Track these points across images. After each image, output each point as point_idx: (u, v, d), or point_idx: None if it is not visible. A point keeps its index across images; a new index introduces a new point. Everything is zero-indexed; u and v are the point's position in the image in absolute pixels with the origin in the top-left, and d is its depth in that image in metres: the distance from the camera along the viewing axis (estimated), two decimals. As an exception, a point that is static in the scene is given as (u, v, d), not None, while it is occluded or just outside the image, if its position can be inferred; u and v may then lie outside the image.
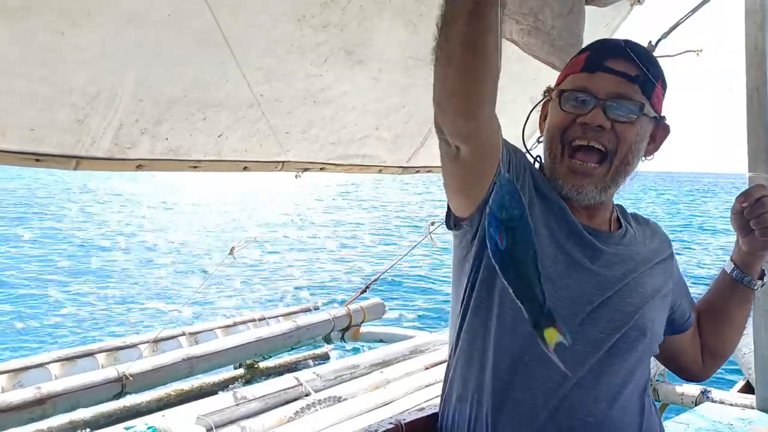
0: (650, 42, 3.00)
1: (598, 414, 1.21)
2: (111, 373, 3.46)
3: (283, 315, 5.53)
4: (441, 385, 1.42)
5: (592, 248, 1.27)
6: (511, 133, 3.22)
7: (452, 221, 1.30)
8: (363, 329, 4.96)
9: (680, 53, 3.03)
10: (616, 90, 1.23)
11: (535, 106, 1.40)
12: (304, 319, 4.87)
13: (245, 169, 2.21)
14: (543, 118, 1.39)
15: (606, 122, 1.22)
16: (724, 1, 2.76)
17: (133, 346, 4.40)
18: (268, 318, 5.40)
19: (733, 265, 1.42)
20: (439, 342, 4.12)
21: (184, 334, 4.79)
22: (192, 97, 1.84)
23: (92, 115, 1.66)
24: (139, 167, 1.90)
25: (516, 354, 1.20)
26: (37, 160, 1.65)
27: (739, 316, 1.47)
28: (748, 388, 3.36)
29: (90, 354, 4.23)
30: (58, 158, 1.70)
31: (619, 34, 3.08)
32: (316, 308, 5.82)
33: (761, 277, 1.43)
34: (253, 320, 5.41)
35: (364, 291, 4.93)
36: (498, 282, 1.21)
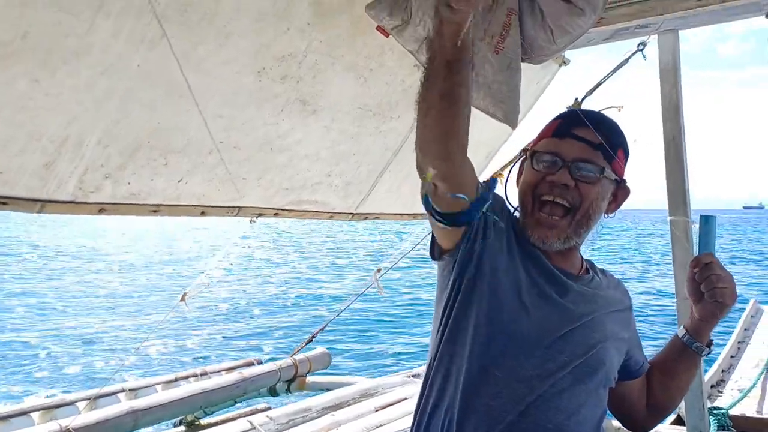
0: (576, 99, 3.26)
1: (557, 423, 1.34)
2: (53, 427, 3.35)
3: (225, 369, 5.46)
4: (393, 424, 1.52)
5: (561, 285, 1.44)
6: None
7: (436, 253, 1.46)
8: (309, 379, 4.96)
9: (604, 109, 3.30)
10: (580, 154, 1.43)
11: (515, 163, 1.59)
12: (249, 371, 4.83)
13: (203, 213, 2.28)
14: (520, 174, 1.58)
15: (570, 181, 1.42)
16: (640, 62, 3.04)
17: (71, 403, 4.26)
18: (211, 372, 5.33)
19: (684, 331, 1.57)
20: (387, 385, 4.17)
21: (123, 391, 4.67)
22: (155, 144, 1.92)
23: (60, 159, 1.72)
24: (101, 211, 1.95)
25: (489, 369, 1.34)
26: (3, 203, 1.70)
27: (685, 377, 1.62)
28: (679, 421, 3.56)
29: (24, 413, 4.07)
30: (24, 201, 1.74)
31: (548, 92, 3.34)
32: (260, 362, 5.77)
33: (709, 345, 1.57)
34: (195, 375, 5.32)
35: (309, 341, 4.96)
36: (474, 305, 1.37)
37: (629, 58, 2.99)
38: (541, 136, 1.52)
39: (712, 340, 1.57)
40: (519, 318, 1.35)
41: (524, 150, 1.53)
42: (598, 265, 1.65)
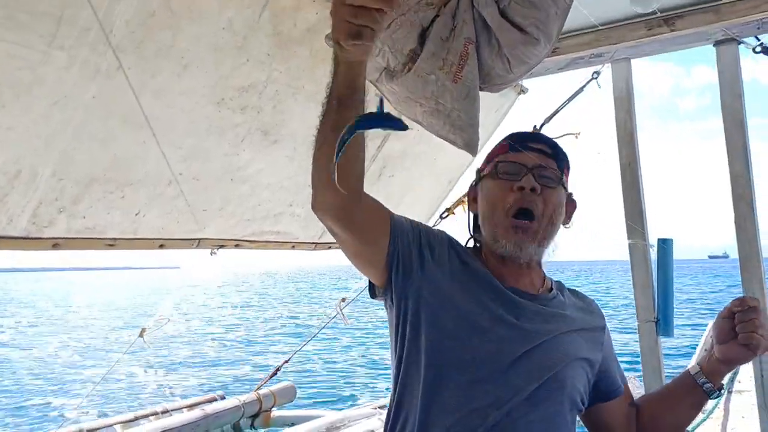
0: (535, 126, 3.33)
1: None
2: (4, 474, 3.19)
3: (187, 406, 5.31)
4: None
5: (515, 306, 1.42)
6: (417, 210, 3.41)
7: (376, 292, 1.47)
8: (274, 414, 4.85)
9: (561, 136, 3.38)
10: (540, 162, 1.46)
11: (470, 189, 1.59)
12: (212, 407, 4.70)
13: (161, 246, 2.23)
14: (472, 199, 1.59)
15: (537, 186, 1.43)
16: (595, 91, 3.12)
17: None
18: (172, 410, 5.17)
19: (698, 368, 1.49)
20: (353, 418, 4.11)
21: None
22: (111, 176, 1.88)
23: (11, 194, 1.67)
24: (55, 246, 1.89)
25: (443, 398, 1.32)
26: (-49, 241, 1.64)
27: (686, 415, 1.54)
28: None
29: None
30: (-27, 238, 1.68)
31: (507, 120, 3.40)
32: (222, 397, 5.63)
33: (720, 388, 1.49)
34: (156, 413, 5.16)
35: (274, 374, 4.87)
36: (423, 339, 1.35)
37: (584, 86, 3.06)
38: (494, 157, 1.53)
39: (723, 385, 1.50)
40: (470, 345, 1.34)
41: (478, 171, 1.54)
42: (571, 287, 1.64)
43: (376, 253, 1.38)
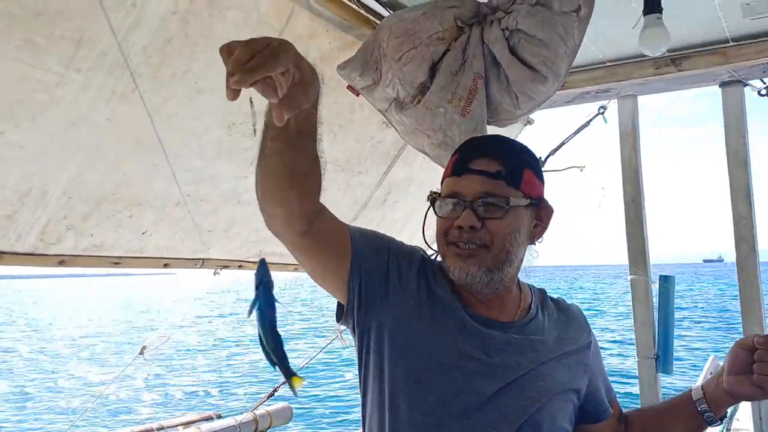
0: (540, 158, 3.36)
1: None
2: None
3: (183, 424, 5.28)
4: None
5: (482, 338, 1.28)
6: (420, 237, 3.41)
7: (338, 314, 1.34)
8: (270, 435, 4.82)
9: (566, 168, 3.40)
10: (481, 189, 1.27)
11: (428, 210, 1.39)
12: (208, 426, 4.68)
13: (166, 265, 2.25)
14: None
15: (477, 222, 1.27)
16: (601, 125, 3.15)
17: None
18: (168, 427, 5.15)
19: (701, 395, 1.39)
20: (349, 443, 4.09)
21: (75, 446, 4.48)
22: (121, 195, 1.91)
23: (21, 211, 1.69)
24: (61, 263, 1.91)
25: None
26: (-40, 255, 1.66)
27: None
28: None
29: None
30: (-20, 253, 1.70)
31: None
32: (219, 416, 5.60)
33: (721, 418, 1.39)
34: (151, 430, 5.14)
35: (271, 395, 4.84)
36: (387, 377, 1.25)
37: (590, 120, 3.10)
38: (444, 177, 1.38)
39: (726, 413, 1.40)
40: (436, 385, 1.22)
41: (432, 193, 1.38)
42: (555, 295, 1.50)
43: (337, 276, 1.25)
